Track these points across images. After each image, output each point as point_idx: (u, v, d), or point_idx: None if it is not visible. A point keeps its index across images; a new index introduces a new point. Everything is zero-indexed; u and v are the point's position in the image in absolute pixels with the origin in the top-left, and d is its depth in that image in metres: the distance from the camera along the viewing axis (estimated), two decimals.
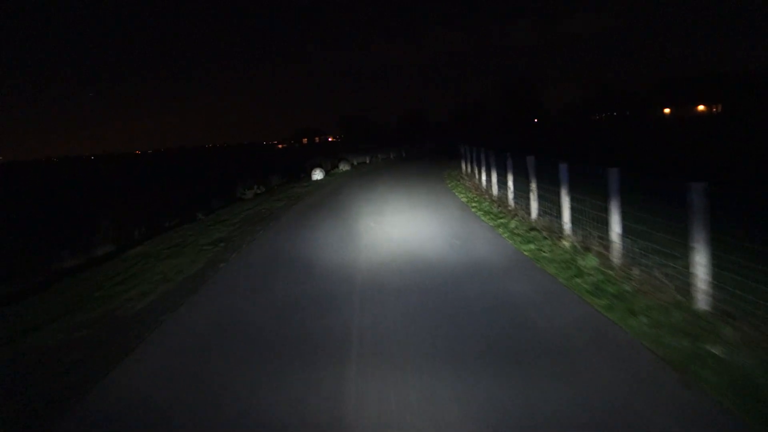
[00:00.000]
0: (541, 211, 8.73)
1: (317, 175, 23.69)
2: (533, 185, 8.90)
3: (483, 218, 10.20)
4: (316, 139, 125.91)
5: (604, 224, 6.06)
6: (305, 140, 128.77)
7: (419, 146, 47.39)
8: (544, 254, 6.95)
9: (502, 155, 11.57)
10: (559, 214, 7.70)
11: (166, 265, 8.30)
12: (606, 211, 5.99)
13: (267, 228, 11.19)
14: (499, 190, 12.15)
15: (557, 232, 7.66)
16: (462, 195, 13.88)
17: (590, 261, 6.10)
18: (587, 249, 6.46)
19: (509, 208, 10.44)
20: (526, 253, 7.20)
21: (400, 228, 9.88)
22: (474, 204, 12.03)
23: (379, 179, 21.01)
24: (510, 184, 10.66)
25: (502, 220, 9.61)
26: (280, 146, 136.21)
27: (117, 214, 15.41)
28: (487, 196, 12.72)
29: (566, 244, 7.06)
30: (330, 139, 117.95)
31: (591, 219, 6.66)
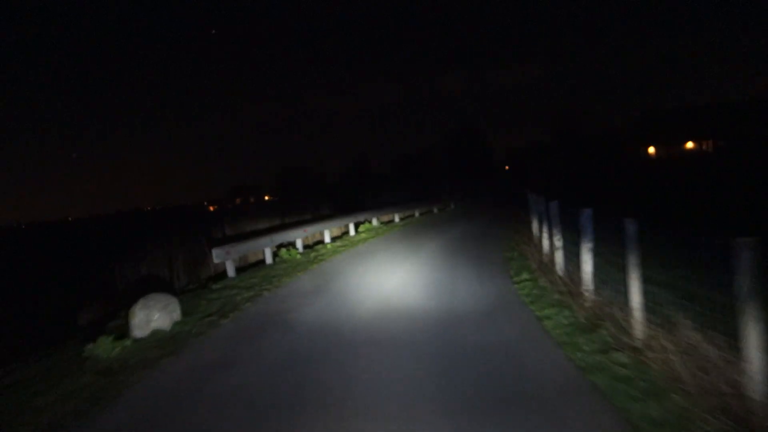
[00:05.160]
0: None
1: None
2: None
3: None
4: (251, 199, 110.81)
5: None
6: (238, 200, 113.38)
7: (379, 203, 29.16)
8: None
9: None
10: None
11: None
12: None
13: None
14: None
15: None
16: None
17: None
18: None
19: None
20: None
21: None
22: None
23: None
24: None
25: None
26: (211, 208, 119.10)
27: None
28: None
29: None
30: (266, 198, 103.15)
31: None
